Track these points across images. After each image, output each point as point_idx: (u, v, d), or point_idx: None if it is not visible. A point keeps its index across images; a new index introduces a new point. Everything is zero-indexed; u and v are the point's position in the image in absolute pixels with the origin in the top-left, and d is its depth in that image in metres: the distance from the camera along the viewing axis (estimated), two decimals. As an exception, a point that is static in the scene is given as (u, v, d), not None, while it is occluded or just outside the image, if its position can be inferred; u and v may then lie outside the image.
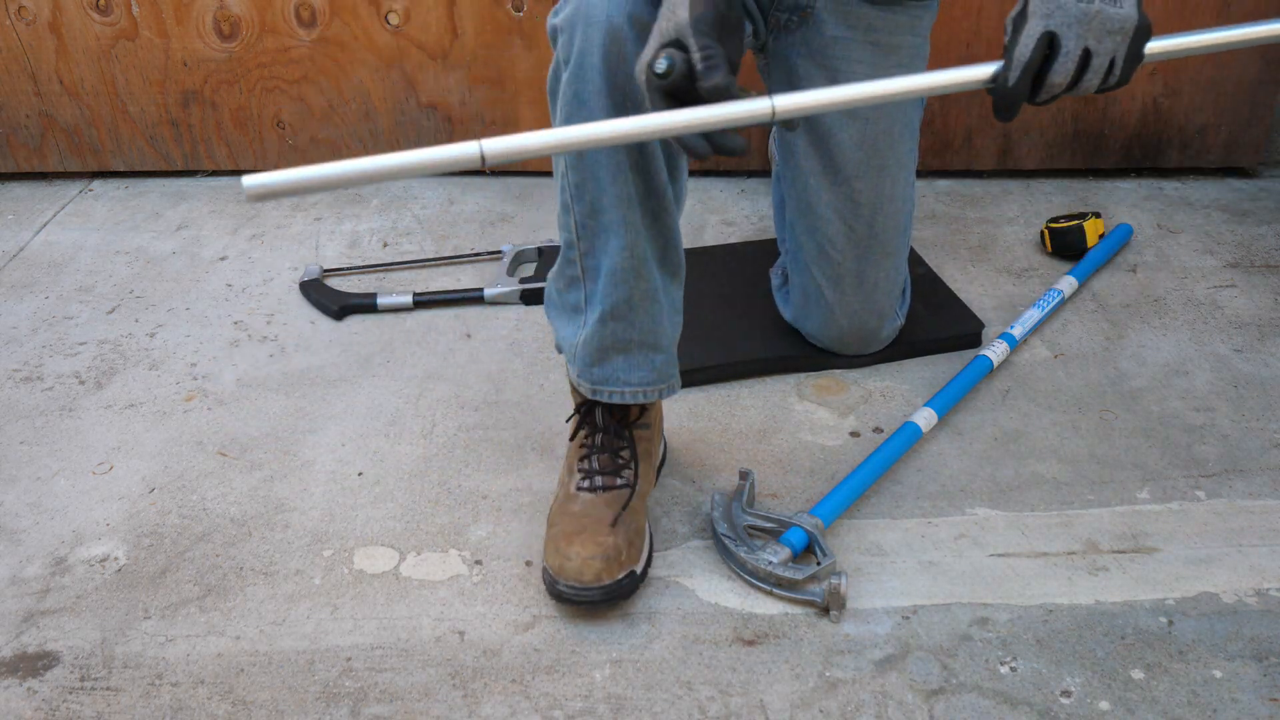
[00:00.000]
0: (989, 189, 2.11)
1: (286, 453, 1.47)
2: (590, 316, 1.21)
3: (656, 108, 0.95)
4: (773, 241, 1.88)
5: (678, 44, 0.96)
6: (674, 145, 1.13)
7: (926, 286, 1.73)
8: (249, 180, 0.81)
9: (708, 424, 1.49)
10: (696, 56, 0.94)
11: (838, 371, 1.59)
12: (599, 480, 1.25)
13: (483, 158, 0.86)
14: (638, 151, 1.13)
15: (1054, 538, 1.28)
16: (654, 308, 1.21)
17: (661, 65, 0.94)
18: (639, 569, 1.21)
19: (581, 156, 1.14)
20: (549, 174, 2.23)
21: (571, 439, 1.30)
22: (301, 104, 2.15)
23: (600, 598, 1.17)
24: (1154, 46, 0.98)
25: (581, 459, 1.27)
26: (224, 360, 1.67)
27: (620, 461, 1.26)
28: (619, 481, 1.25)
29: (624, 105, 1.10)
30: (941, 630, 1.17)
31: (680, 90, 0.95)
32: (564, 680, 1.12)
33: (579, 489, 1.25)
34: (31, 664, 1.16)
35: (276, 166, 2.23)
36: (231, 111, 2.17)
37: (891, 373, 1.59)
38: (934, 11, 1.43)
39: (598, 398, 1.25)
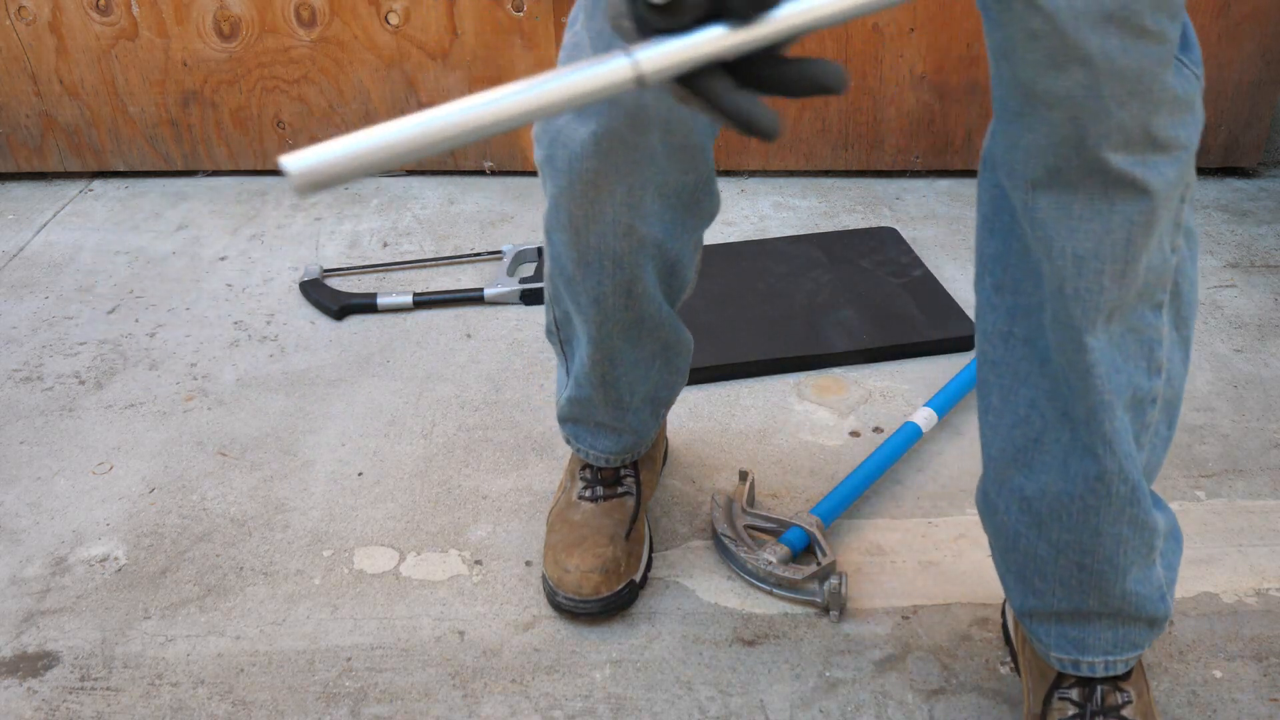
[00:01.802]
0: (989, 189, 2.11)
1: (286, 453, 1.47)
2: (567, 384, 1.19)
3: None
4: (772, 241, 1.88)
5: None
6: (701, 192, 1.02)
7: (922, 288, 1.73)
8: (290, 163, 0.53)
9: (708, 424, 1.49)
10: None
11: (838, 371, 1.59)
12: (600, 490, 1.24)
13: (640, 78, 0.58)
14: (625, 290, 1.03)
15: (1054, 538, 1.28)
16: (617, 410, 1.16)
17: None
18: (638, 577, 1.21)
19: (555, 278, 1.07)
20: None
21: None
22: (301, 104, 2.15)
23: (599, 610, 1.17)
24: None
25: (583, 467, 1.25)
26: (224, 360, 1.67)
27: (622, 470, 1.25)
28: (620, 490, 1.24)
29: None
30: (941, 630, 1.17)
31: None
32: (564, 680, 1.12)
33: (580, 497, 1.24)
34: (31, 664, 1.16)
35: (276, 166, 2.23)
36: (231, 111, 2.17)
37: (891, 373, 1.59)
38: None
39: (569, 446, 1.25)
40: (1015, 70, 0.76)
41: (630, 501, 1.24)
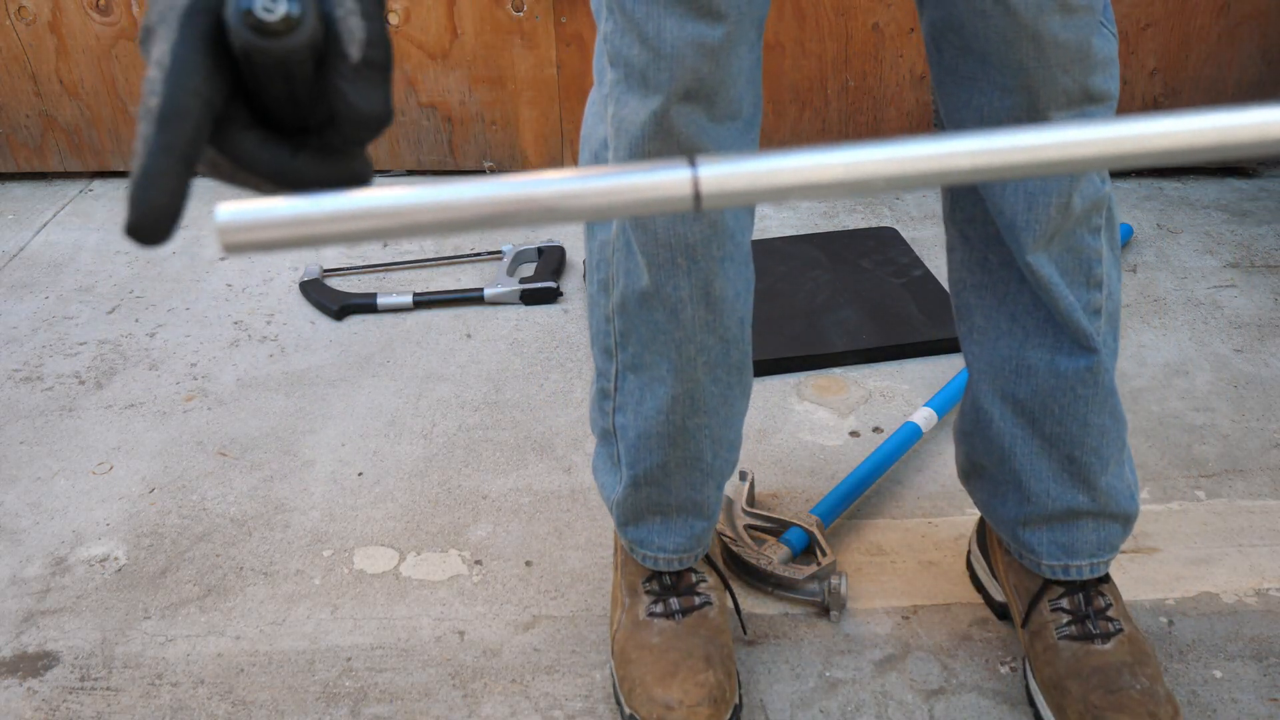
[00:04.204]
0: (989, 189, 2.11)
1: (286, 453, 1.47)
2: (623, 476, 1.05)
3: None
4: (772, 241, 1.88)
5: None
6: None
7: (922, 288, 1.73)
8: (223, 215, 0.40)
9: (708, 424, 1.49)
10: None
11: (838, 371, 1.59)
12: (675, 603, 1.07)
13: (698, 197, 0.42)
14: (703, 292, 0.94)
15: (1054, 538, 1.28)
16: (696, 476, 1.03)
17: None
18: (739, 698, 1.05)
19: (628, 300, 0.96)
20: (549, 174, 2.23)
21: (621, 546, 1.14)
22: (301, 104, 2.15)
23: None
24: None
25: (648, 579, 1.09)
26: (224, 360, 1.67)
27: (696, 575, 1.10)
28: (698, 600, 1.07)
29: None
30: (941, 630, 1.17)
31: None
32: (564, 680, 1.12)
33: (651, 615, 1.07)
34: (31, 664, 1.16)
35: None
36: (231, 111, 2.17)
37: (891, 373, 1.59)
38: None
39: (633, 556, 1.10)
40: (968, 42, 0.86)
41: (711, 612, 1.08)
